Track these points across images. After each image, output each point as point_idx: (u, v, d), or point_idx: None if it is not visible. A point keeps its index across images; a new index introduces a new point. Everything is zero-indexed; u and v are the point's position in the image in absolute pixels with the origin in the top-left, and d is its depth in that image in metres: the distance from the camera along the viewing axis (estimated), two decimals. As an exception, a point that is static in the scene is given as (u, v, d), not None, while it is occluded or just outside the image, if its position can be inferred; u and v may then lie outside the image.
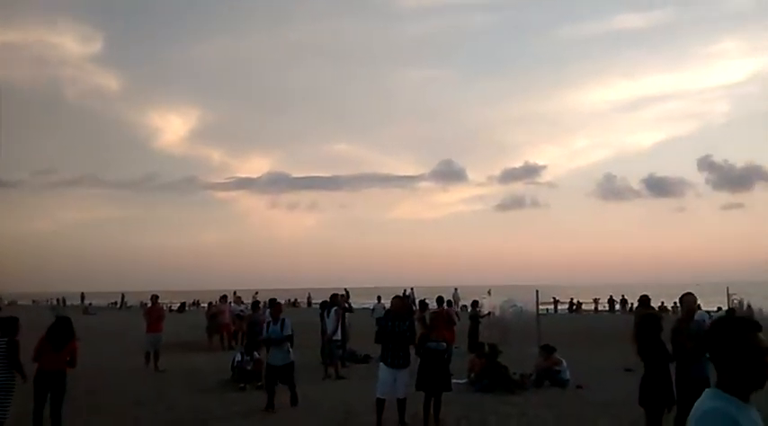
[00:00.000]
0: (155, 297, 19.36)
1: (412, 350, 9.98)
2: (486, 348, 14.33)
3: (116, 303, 63.38)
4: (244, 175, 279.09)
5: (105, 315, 46.95)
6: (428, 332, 10.40)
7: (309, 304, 57.10)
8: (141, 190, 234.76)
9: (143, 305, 35.90)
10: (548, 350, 14.31)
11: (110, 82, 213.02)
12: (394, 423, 9.79)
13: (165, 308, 24.74)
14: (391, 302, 10.77)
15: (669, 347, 7.89)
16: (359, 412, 10.86)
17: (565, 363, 13.94)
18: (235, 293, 29.13)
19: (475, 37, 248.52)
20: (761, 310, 25.37)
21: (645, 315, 9.46)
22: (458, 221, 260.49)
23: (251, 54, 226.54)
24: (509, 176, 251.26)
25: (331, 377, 15.30)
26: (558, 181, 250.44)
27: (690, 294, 8.55)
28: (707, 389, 2.47)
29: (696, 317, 8.39)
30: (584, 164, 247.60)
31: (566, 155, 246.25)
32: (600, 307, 50.86)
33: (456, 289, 38.59)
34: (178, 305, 53.65)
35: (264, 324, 12.43)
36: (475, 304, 22.96)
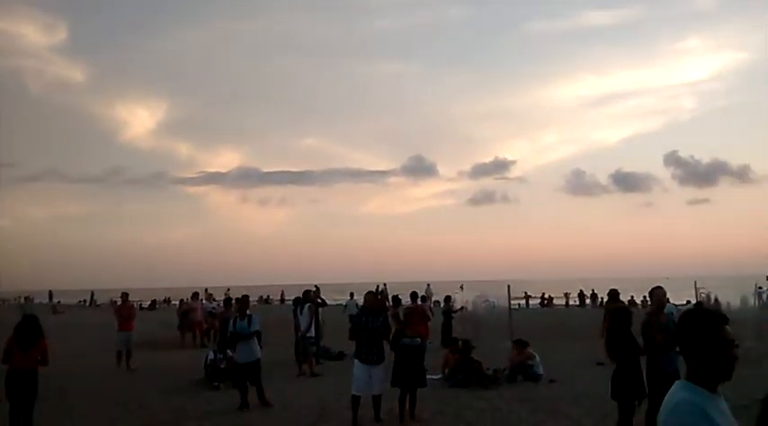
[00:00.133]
0: (125, 295, 19.19)
1: (386, 346, 10.02)
2: (460, 343, 14.42)
3: (85, 301, 62.52)
4: (213, 170, 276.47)
5: (74, 313, 46.27)
6: (403, 328, 10.44)
7: (282, 300, 56.90)
8: (108, 186, 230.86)
9: (113, 303, 35.41)
10: (521, 345, 14.44)
11: (74, 73, 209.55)
12: (369, 420, 9.82)
13: (135, 306, 24.51)
14: (364, 298, 10.77)
15: (640, 340, 8.01)
16: (334, 409, 10.85)
17: (537, 357, 14.08)
18: (206, 290, 28.94)
19: (445, 32, 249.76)
20: (728, 304, 25.81)
21: (616, 309, 9.59)
22: (429, 216, 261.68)
23: (220, 47, 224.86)
24: (479, 171, 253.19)
25: (305, 374, 15.27)
26: (528, 177, 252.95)
27: (659, 287, 8.68)
28: (677, 381, 2.52)
29: (665, 310, 8.52)
30: (553, 159, 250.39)
31: (535, 151, 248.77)
32: (571, 302, 51.41)
33: (429, 285, 38.79)
34: (149, 302, 53.11)
35: (231, 320, 12.24)
36: (447, 299, 23.05)
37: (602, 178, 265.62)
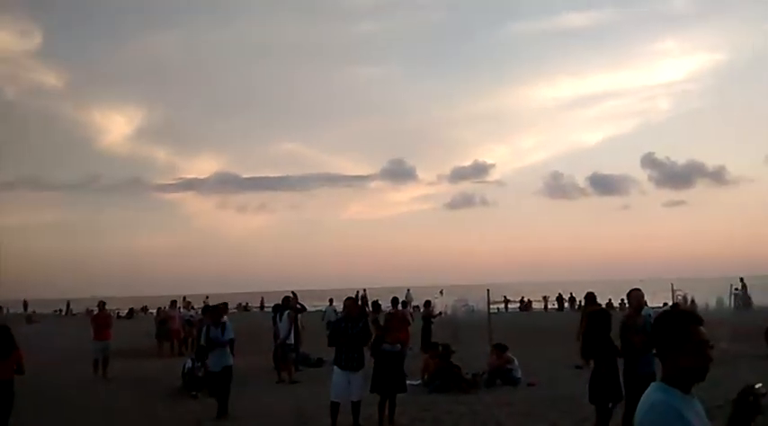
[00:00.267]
0: (102, 304, 19.03)
1: (367, 353, 10.00)
2: (440, 348, 14.43)
3: (61, 310, 61.79)
4: (191, 176, 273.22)
5: (50, 322, 45.61)
6: (383, 334, 10.42)
7: (262, 307, 56.59)
8: (84, 192, 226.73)
9: (89, 312, 35.04)
10: (500, 349, 14.48)
11: (50, 79, 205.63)
12: (348, 426, 9.79)
13: (112, 315, 24.24)
14: (344, 304, 10.74)
15: (618, 343, 8.06)
16: (313, 415, 10.80)
17: (516, 361, 14.14)
18: (184, 298, 28.71)
19: (423, 35, 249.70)
20: (707, 305, 26.13)
21: (595, 312, 9.68)
22: (409, 220, 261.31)
23: (198, 52, 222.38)
24: (458, 175, 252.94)
25: (284, 381, 15.19)
26: (507, 180, 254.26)
27: (637, 289, 8.71)
28: (652, 383, 2.54)
29: (642, 313, 8.58)
30: (531, 162, 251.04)
31: (513, 154, 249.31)
32: (549, 306, 51.71)
33: (409, 290, 38.79)
34: (126, 311, 52.60)
35: (204, 328, 12.00)
36: (427, 304, 23.10)
37: (580, 180, 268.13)
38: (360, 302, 18.47)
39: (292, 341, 15.82)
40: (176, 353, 21.76)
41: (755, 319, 19.44)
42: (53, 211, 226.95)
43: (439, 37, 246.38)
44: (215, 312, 12.25)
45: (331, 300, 26.72)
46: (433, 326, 21.25)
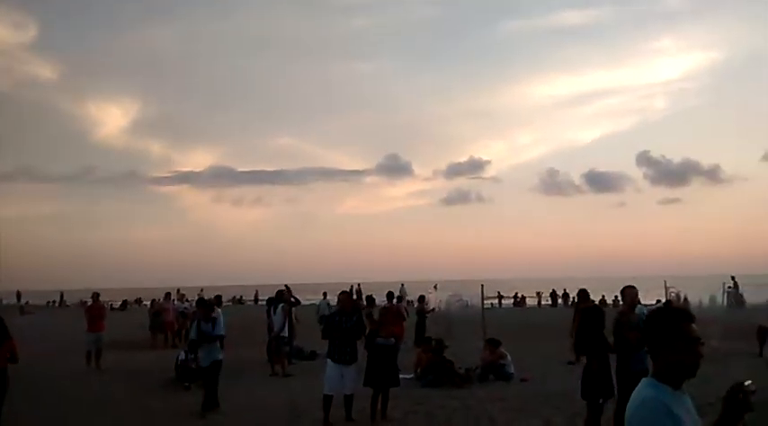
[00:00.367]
0: (95, 295, 18.95)
1: (360, 346, 10.02)
2: (433, 343, 14.46)
3: (55, 302, 61.64)
4: (186, 169, 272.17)
5: (44, 314, 45.54)
6: (377, 328, 10.45)
7: (256, 300, 56.58)
8: (79, 185, 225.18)
9: (83, 303, 34.93)
10: (493, 344, 14.53)
11: (45, 71, 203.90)
12: (341, 420, 9.81)
13: (106, 306, 24.21)
14: (338, 297, 10.75)
15: (611, 340, 8.09)
16: (306, 408, 10.82)
17: (509, 357, 14.19)
18: (178, 291, 28.69)
19: (420, 30, 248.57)
20: (700, 302, 26.23)
21: (589, 308, 9.71)
22: (404, 216, 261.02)
23: (194, 45, 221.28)
24: (454, 171, 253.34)
25: (278, 374, 15.21)
26: (502, 176, 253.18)
27: (631, 287, 8.72)
28: (643, 379, 2.56)
29: (635, 310, 8.61)
30: (527, 159, 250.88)
31: (509, 150, 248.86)
32: (543, 302, 51.85)
33: (403, 284, 38.80)
34: (120, 303, 52.52)
35: (194, 322, 11.88)
36: (421, 299, 23.12)
37: (576, 178, 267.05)
38: (354, 296, 18.46)
39: (286, 335, 15.84)
40: (170, 345, 21.79)
41: (748, 317, 19.52)
42: (48, 203, 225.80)
43: (436, 32, 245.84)
44: (206, 306, 12.22)
45: (325, 294, 26.70)
46: (426, 321, 21.28)
